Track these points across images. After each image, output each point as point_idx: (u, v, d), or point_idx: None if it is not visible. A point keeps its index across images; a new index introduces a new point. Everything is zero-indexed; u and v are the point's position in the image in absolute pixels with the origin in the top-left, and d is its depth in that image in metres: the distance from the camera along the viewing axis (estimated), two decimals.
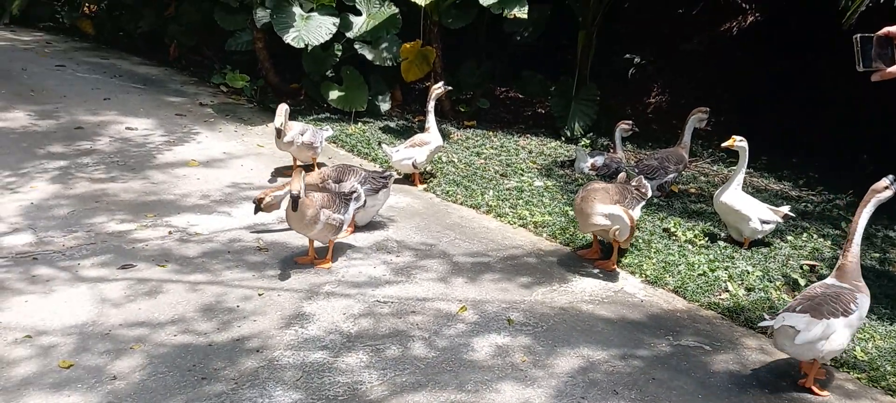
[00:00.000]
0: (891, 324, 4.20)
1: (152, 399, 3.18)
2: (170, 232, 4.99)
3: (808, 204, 6.46)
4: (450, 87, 6.86)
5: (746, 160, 5.16)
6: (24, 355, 3.47)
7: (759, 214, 5.12)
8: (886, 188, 3.59)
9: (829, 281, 3.62)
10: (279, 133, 6.05)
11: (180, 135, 7.37)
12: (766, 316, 3.45)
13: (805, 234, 5.54)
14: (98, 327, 3.74)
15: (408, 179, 6.47)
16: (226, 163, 6.63)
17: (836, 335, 3.37)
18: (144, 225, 5.10)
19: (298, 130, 6.20)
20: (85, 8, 12.07)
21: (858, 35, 2.22)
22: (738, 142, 5.09)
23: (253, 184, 6.14)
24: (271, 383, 3.35)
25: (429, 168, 6.68)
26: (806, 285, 4.59)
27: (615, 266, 4.80)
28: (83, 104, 8.02)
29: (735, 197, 5.13)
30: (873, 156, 7.38)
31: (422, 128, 8.29)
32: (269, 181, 6.17)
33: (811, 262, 5.02)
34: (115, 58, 10.52)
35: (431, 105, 6.42)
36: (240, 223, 5.26)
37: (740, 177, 5.14)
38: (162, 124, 7.65)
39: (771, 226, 5.20)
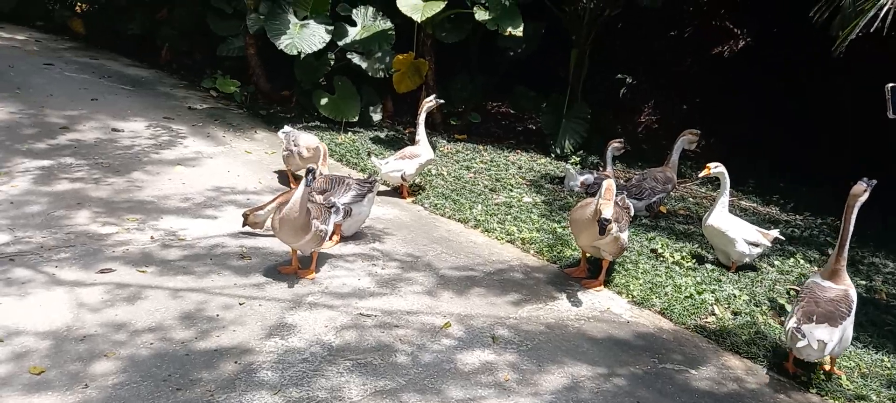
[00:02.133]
0: (875, 353, 4.19)
1: None
2: (152, 238, 4.90)
3: (795, 229, 6.46)
4: (441, 101, 6.81)
5: (728, 183, 5.17)
6: None
7: (745, 236, 5.11)
8: (865, 190, 3.91)
9: (825, 283, 3.90)
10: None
11: (168, 138, 7.29)
12: (799, 335, 3.66)
13: (791, 259, 5.54)
14: (74, 332, 3.65)
15: (396, 192, 6.42)
16: (212, 169, 6.56)
17: (846, 333, 3.77)
18: (127, 228, 5.02)
19: (307, 141, 6.14)
20: (77, 7, 11.98)
21: (890, 85, 2.24)
22: (715, 169, 5.12)
23: (236, 188, 6.08)
24: (249, 394, 3.27)
25: (418, 181, 6.63)
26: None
27: (603, 285, 4.76)
28: (70, 103, 7.92)
29: (721, 219, 5.12)
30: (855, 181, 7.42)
31: (412, 141, 8.28)
32: (277, 184, 6.10)
33: (797, 287, 5.00)
34: (104, 58, 10.43)
35: (422, 118, 6.38)
36: (224, 229, 5.19)
37: (724, 200, 5.14)
38: (150, 127, 7.57)
39: (759, 250, 5.19)
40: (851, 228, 3.89)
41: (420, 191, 6.45)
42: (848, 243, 3.89)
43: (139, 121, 7.68)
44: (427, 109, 6.47)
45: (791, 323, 3.73)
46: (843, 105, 7.46)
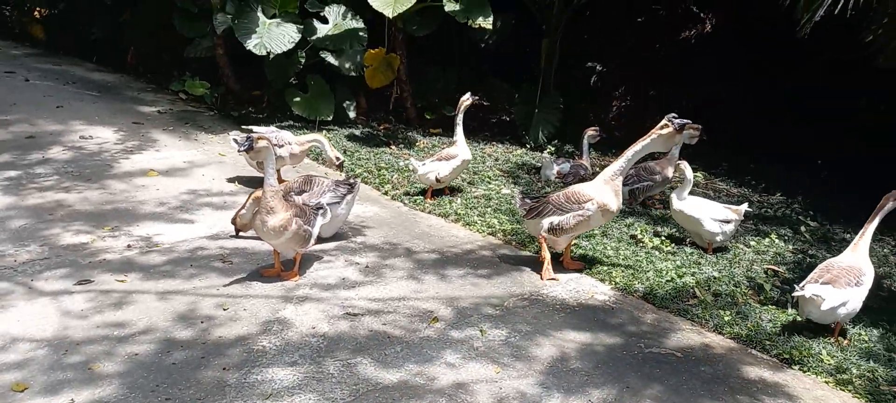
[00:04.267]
0: (852, 327, 4.30)
1: None
2: (129, 246, 4.81)
3: (768, 209, 6.61)
4: (476, 97, 6.35)
5: (690, 176, 5.33)
6: None
7: (712, 214, 5.20)
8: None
9: (845, 257, 4.22)
10: (341, 166, 6.09)
11: (138, 143, 7.17)
12: (797, 287, 4.07)
13: (766, 239, 5.65)
14: (63, 342, 3.57)
15: (376, 189, 6.39)
16: (186, 172, 6.46)
17: (851, 300, 4.02)
18: (102, 236, 4.92)
19: (287, 138, 6.07)
20: (35, 12, 11.67)
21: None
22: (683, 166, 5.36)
23: (212, 190, 6.02)
24: (262, 372, 3.24)
25: (455, 183, 6.44)
26: (770, 289, 4.69)
27: (578, 266, 4.93)
28: (35, 112, 7.74)
29: (686, 204, 5.23)
30: (827, 162, 7.63)
31: (389, 137, 8.26)
32: (253, 186, 6.03)
33: (774, 267, 5.12)
34: (67, 64, 10.20)
35: (460, 117, 6.09)
36: (201, 232, 5.13)
37: (685, 189, 5.30)
38: (119, 132, 7.43)
39: (730, 226, 5.28)
40: (877, 219, 4.22)
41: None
42: (871, 228, 4.21)
43: (108, 128, 7.52)
44: (464, 108, 6.14)
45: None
46: (812, 87, 7.63)
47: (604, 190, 4.61)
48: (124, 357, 3.49)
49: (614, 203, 4.62)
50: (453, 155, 6.06)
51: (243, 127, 6.04)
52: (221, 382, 3.33)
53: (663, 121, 4.50)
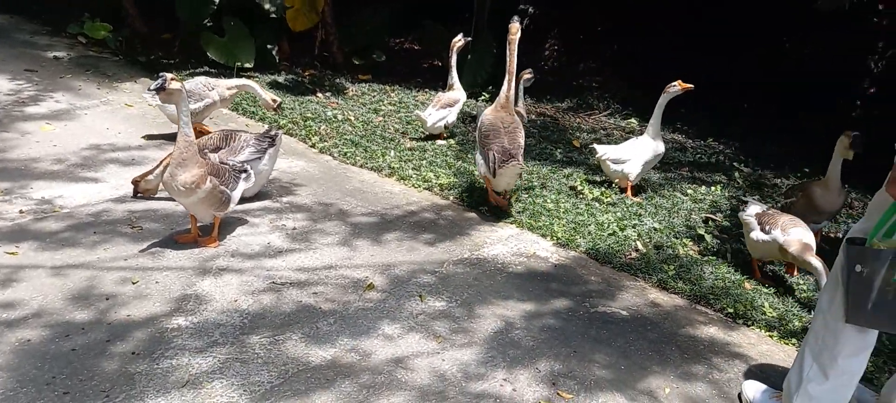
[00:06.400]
0: (801, 277, 4.31)
1: None
2: (21, 211, 4.27)
3: (702, 156, 6.60)
4: (469, 38, 6.33)
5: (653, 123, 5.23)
6: None
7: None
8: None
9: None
10: (279, 107, 5.47)
11: (32, 93, 6.44)
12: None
13: (703, 187, 5.63)
14: None
15: (303, 142, 5.98)
16: (87, 125, 5.84)
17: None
18: None
19: (203, 83, 5.50)
20: None
21: None
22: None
23: (117, 145, 5.47)
24: (170, 361, 2.88)
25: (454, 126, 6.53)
26: (711, 240, 4.64)
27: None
28: None
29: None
30: (752, 106, 7.69)
31: (315, 84, 7.79)
32: (165, 140, 5.48)
33: (711, 215, 5.08)
34: None
35: (454, 60, 6.14)
36: (107, 193, 4.61)
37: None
38: (10, 82, 6.66)
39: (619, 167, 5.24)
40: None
41: (327, 140, 6.03)
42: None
43: None
44: (457, 50, 6.16)
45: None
46: (733, 35, 7.61)
47: (498, 112, 4.75)
48: (14, 345, 3.05)
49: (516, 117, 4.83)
50: (455, 99, 6.14)
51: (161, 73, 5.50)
52: (129, 370, 2.95)
53: (510, 27, 4.66)
